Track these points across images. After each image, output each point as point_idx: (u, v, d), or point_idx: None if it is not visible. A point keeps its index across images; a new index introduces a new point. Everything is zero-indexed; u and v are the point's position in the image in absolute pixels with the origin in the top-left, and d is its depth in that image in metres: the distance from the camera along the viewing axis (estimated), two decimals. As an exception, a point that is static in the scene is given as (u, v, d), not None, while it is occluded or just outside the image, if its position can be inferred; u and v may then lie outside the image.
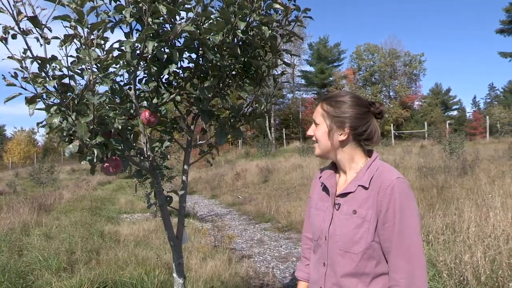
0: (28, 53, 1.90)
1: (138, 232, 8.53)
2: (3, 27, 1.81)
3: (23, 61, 1.91)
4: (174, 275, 2.81)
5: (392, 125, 42.06)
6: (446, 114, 62.78)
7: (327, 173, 1.87)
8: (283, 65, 2.77)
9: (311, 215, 1.89)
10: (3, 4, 1.77)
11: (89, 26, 1.94)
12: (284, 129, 47.85)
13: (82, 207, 12.47)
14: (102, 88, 2.32)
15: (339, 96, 1.73)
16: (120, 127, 2.14)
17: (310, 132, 1.82)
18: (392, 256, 1.55)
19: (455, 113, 67.27)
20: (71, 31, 2.01)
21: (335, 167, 1.86)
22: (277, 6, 2.39)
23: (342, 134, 1.69)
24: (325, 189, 1.83)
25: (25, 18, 1.84)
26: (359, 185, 1.64)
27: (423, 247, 1.53)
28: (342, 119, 1.68)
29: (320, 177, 1.91)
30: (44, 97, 2.00)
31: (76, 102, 2.01)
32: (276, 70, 2.85)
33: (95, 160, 2.06)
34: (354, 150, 1.73)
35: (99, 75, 2.01)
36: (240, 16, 2.22)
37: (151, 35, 2.18)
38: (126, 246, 7.14)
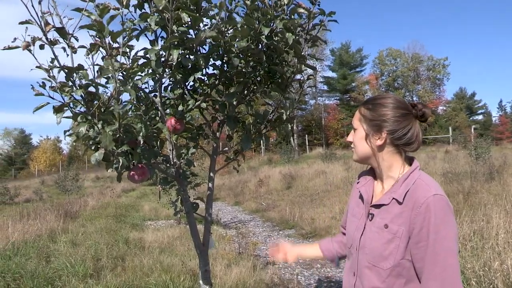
0: (55, 62, 1.93)
1: (162, 239, 8.56)
2: (31, 38, 1.84)
3: (50, 71, 1.94)
4: (200, 282, 2.80)
5: (416, 130, 41.46)
6: (471, 118, 61.78)
7: (365, 180, 1.79)
8: (308, 70, 2.75)
9: (347, 221, 1.84)
10: (31, 15, 1.80)
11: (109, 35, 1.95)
12: (306, 135, 47.68)
13: (106, 214, 12.59)
14: (129, 96, 2.34)
15: (377, 99, 1.65)
16: (145, 136, 2.15)
17: (349, 138, 1.74)
18: (425, 278, 1.44)
19: (480, 117, 66.15)
20: (97, 39, 2.03)
21: (373, 172, 1.77)
22: (301, 10, 2.38)
23: (380, 139, 1.60)
24: (361, 196, 1.75)
25: (53, 29, 1.86)
26: (393, 198, 1.54)
27: (459, 268, 1.42)
28: (379, 122, 1.59)
29: (358, 182, 1.84)
30: (71, 106, 2.02)
31: (102, 111, 2.03)
32: (301, 75, 2.83)
33: (120, 169, 2.06)
34: (393, 157, 1.62)
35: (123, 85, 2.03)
36: (264, 22, 2.22)
37: (176, 42, 2.19)
38: (151, 252, 7.18)
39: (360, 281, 1.63)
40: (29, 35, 1.83)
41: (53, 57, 1.91)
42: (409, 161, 1.66)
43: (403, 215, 1.49)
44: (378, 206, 1.61)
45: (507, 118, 58.65)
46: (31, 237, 8.68)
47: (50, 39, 1.87)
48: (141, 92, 2.51)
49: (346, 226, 1.84)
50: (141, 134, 2.14)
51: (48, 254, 7.22)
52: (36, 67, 1.94)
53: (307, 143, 44.27)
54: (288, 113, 2.70)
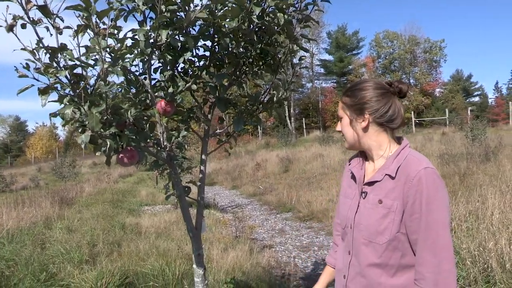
0: (41, 44, 1.87)
1: (159, 224, 8.56)
2: (12, 16, 1.78)
3: (36, 52, 1.88)
4: (194, 266, 2.78)
5: (412, 112, 41.54)
6: (467, 100, 61.77)
7: (356, 161, 1.83)
8: (302, 51, 2.70)
9: (339, 202, 1.87)
10: (11, -8, 1.74)
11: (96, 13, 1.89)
12: (304, 118, 47.63)
13: (103, 200, 12.57)
14: (119, 79, 2.29)
15: (355, 85, 1.71)
16: (134, 118, 2.10)
17: (338, 128, 1.80)
18: (419, 249, 1.48)
19: (477, 99, 66.14)
20: (86, 21, 1.97)
21: (364, 155, 1.81)
22: (293, -11, 2.32)
23: (363, 121, 1.65)
24: (353, 176, 1.79)
25: (35, 7, 1.80)
26: (386, 174, 1.59)
27: (452, 240, 1.45)
28: (360, 105, 1.64)
29: (349, 164, 1.89)
30: (59, 88, 1.97)
31: (89, 93, 1.97)
32: (295, 58, 2.78)
33: (108, 151, 2.02)
34: (380, 135, 1.66)
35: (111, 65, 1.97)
36: (255, 1, 2.16)
37: (165, 23, 2.13)
38: (147, 238, 7.17)
39: (356, 259, 1.66)
40: (10, 14, 1.77)
41: (37, 38, 1.85)
42: (398, 140, 1.70)
43: (396, 189, 1.53)
44: (371, 183, 1.65)
45: (503, 100, 58.54)
46: (26, 224, 8.65)
47: (32, 18, 1.81)
48: (131, 74, 2.45)
49: (340, 208, 1.86)
50: (129, 113, 2.09)
51: (43, 241, 7.20)
52: (21, 49, 1.88)
53: (304, 126, 44.24)
54: (280, 95, 2.65)
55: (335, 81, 59.21)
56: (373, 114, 1.63)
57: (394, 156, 1.61)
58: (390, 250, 1.54)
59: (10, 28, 1.79)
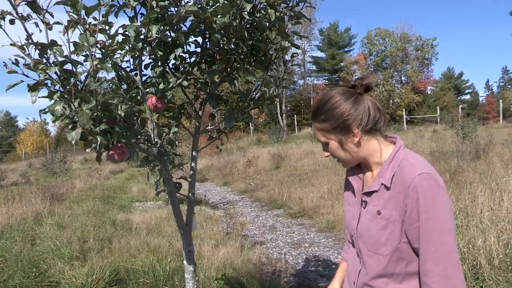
0: (30, 40, 1.86)
1: (150, 220, 8.55)
2: (0, 11, 1.76)
3: (26, 48, 1.87)
4: (185, 262, 2.78)
5: (404, 110, 41.69)
6: (458, 98, 62.13)
7: (352, 170, 1.74)
8: (293, 48, 2.70)
9: (345, 210, 1.80)
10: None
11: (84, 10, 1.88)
12: (295, 115, 47.69)
13: (94, 196, 12.53)
14: (110, 75, 2.28)
15: (323, 107, 1.57)
16: (124, 114, 2.09)
17: (326, 154, 1.68)
18: (421, 259, 1.42)
19: (468, 97, 66.60)
20: (73, 16, 1.96)
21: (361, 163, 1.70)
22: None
23: (354, 136, 1.54)
24: (352, 187, 1.73)
25: (23, 3, 1.79)
26: (382, 184, 1.51)
27: (455, 243, 1.38)
28: (343, 123, 1.53)
29: (348, 173, 1.78)
30: (49, 84, 1.95)
31: (79, 89, 1.96)
32: (286, 55, 2.78)
33: (99, 148, 2.01)
34: (371, 142, 1.57)
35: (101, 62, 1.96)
36: (246, -3, 2.16)
37: (156, 18, 2.12)
38: (138, 234, 7.16)
39: (364, 269, 1.61)
40: (-1, 10, 1.76)
41: (25, 33, 1.84)
42: (391, 139, 1.63)
43: (393, 199, 1.47)
44: (369, 193, 1.58)
45: (494, 98, 58.94)
46: (16, 220, 8.62)
47: (21, 13, 1.80)
48: (121, 70, 2.44)
49: (345, 215, 1.79)
50: (119, 109, 2.08)
51: (34, 237, 7.18)
52: (11, 44, 1.87)
53: (295, 123, 44.29)
54: (271, 91, 2.65)
55: (327, 78, 59.28)
56: (360, 125, 1.52)
57: (389, 162, 1.53)
58: (394, 261, 1.49)
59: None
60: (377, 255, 1.52)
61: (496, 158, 10.50)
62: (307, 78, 59.02)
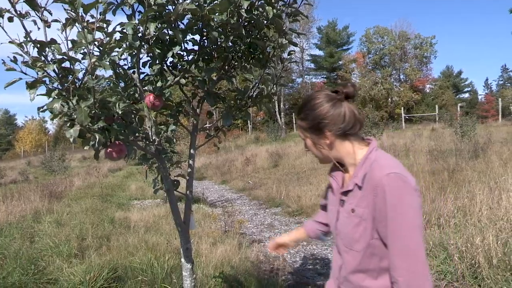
0: (29, 37, 1.87)
1: (148, 218, 8.55)
2: (-1, 9, 1.77)
3: (24, 46, 1.87)
4: (182, 260, 2.79)
5: (402, 108, 41.73)
6: (457, 97, 62.15)
7: (333, 169, 1.85)
8: (291, 45, 2.71)
9: (328, 206, 1.90)
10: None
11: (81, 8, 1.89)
12: (294, 113, 47.64)
13: (92, 194, 12.53)
14: (108, 73, 2.28)
15: (304, 106, 1.71)
16: (122, 112, 2.10)
17: (305, 148, 1.82)
18: (390, 254, 1.50)
19: (466, 95, 66.58)
20: (71, 13, 1.96)
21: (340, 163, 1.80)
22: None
23: (326, 139, 1.67)
24: (331, 186, 1.84)
25: (22, 0, 1.79)
26: (356, 184, 1.61)
27: (422, 241, 1.46)
28: (317, 125, 1.66)
29: (329, 173, 1.88)
30: (48, 82, 1.96)
31: (77, 86, 1.97)
32: (284, 52, 2.79)
33: (97, 145, 2.02)
34: (345, 145, 1.68)
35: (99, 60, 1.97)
36: (243, -6, 2.16)
37: (154, 16, 2.13)
38: (136, 232, 7.16)
39: (344, 264, 1.71)
40: (-3, 7, 1.76)
41: (23, 31, 1.84)
42: (366, 142, 1.71)
43: (365, 198, 1.56)
44: (346, 192, 1.68)
45: (493, 96, 58.99)
46: (15, 217, 8.62)
47: (19, 11, 1.80)
48: (119, 68, 2.44)
49: (328, 210, 1.90)
50: (116, 106, 2.09)
51: (32, 234, 7.19)
52: (9, 42, 1.87)
53: (294, 122, 44.28)
54: (269, 89, 2.66)
55: (325, 76, 59.41)
56: (332, 129, 1.64)
57: (362, 163, 1.62)
58: (367, 257, 1.58)
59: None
60: (352, 251, 1.63)
61: (495, 157, 10.52)
62: (305, 76, 59.08)
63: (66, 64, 1.96)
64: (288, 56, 2.87)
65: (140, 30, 2.19)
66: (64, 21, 1.96)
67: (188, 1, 2.18)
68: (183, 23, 2.35)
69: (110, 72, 2.32)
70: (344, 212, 1.66)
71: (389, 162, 1.56)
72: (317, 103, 1.65)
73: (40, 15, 1.87)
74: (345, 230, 1.65)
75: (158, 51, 2.35)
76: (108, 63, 2.09)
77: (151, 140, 2.48)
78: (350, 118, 1.63)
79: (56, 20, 1.94)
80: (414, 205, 1.46)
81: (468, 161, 10.56)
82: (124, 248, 6.00)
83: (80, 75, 2.00)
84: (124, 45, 2.30)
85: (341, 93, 1.64)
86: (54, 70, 1.90)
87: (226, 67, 2.63)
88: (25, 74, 1.90)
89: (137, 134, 2.40)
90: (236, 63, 2.64)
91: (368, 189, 1.54)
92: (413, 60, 55.45)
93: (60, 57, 1.93)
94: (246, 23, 2.40)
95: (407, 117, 40.04)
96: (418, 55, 55.47)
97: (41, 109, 2.00)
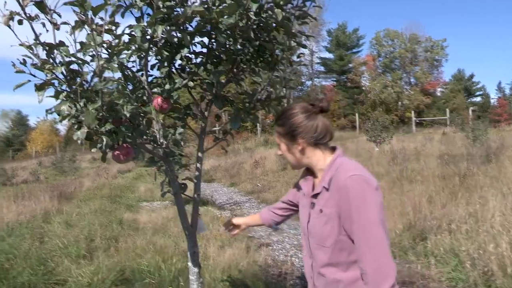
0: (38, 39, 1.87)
1: (156, 220, 8.55)
2: (9, 12, 1.77)
3: (34, 48, 1.87)
4: (189, 264, 2.78)
5: (413, 112, 41.51)
6: (469, 100, 61.44)
7: (303, 175, 2.05)
8: (300, 48, 2.69)
9: (300, 212, 2.07)
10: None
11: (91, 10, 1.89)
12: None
13: (102, 195, 12.57)
14: (116, 75, 2.28)
15: (282, 115, 1.91)
16: (129, 114, 2.10)
17: (279, 152, 2.01)
18: (357, 248, 1.66)
19: (478, 99, 65.78)
20: (81, 16, 1.96)
21: (311, 169, 1.98)
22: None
23: (299, 145, 1.85)
24: (302, 190, 2.02)
25: (31, 3, 1.79)
26: (323, 186, 1.79)
27: (384, 235, 1.63)
28: (291, 133, 1.85)
29: (300, 178, 2.09)
30: (56, 84, 1.96)
31: (85, 89, 1.97)
32: (293, 55, 2.77)
33: (104, 148, 2.01)
34: (315, 153, 1.86)
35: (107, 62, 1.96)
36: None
37: (162, 18, 2.12)
38: (145, 234, 7.17)
39: (314, 261, 1.87)
40: (7, 10, 1.77)
41: (32, 33, 1.85)
42: (332, 150, 1.90)
43: (331, 199, 1.74)
44: (315, 195, 1.85)
45: (506, 100, 58.35)
46: (25, 218, 8.67)
47: (29, 14, 1.80)
48: (127, 71, 2.44)
49: (300, 215, 2.06)
50: (124, 109, 2.09)
51: (42, 235, 7.22)
52: (19, 44, 1.88)
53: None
54: (278, 92, 2.64)
55: (335, 79, 59.15)
56: (304, 138, 1.82)
57: (328, 168, 1.80)
58: (337, 251, 1.74)
59: (7, 21, 1.79)
60: (323, 247, 1.78)
61: (508, 162, 10.38)
62: (315, 79, 58.94)
63: (74, 66, 1.96)
64: (298, 59, 2.86)
65: (148, 33, 2.18)
66: (73, 24, 1.96)
67: (197, 3, 2.17)
68: (191, 26, 2.34)
69: (118, 75, 2.32)
70: (314, 213, 1.84)
71: (352, 166, 1.75)
72: (293, 113, 1.85)
73: (49, 18, 1.88)
74: (315, 229, 1.82)
75: (167, 53, 2.35)
76: (116, 65, 2.08)
77: (159, 143, 2.47)
78: (322, 130, 1.82)
79: (65, 23, 1.94)
80: (375, 203, 1.64)
81: (480, 166, 10.44)
82: (132, 250, 6.01)
83: (88, 78, 2.00)
84: (133, 48, 2.30)
85: (317, 106, 1.84)
86: (62, 72, 1.90)
87: (235, 70, 2.62)
88: (34, 76, 1.90)
89: (144, 137, 2.40)
90: (244, 66, 2.63)
91: (334, 190, 1.72)
92: (424, 63, 55.21)
93: (69, 59, 1.93)
94: (255, 26, 2.38)
95: (417, 120, 39.83)
96: (429, 58, 55.21)
97: (49, 111, 2.00)
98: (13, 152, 61.84)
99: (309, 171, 1.99)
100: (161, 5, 2.07)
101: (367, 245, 1.62)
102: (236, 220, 2.62)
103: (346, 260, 1.74)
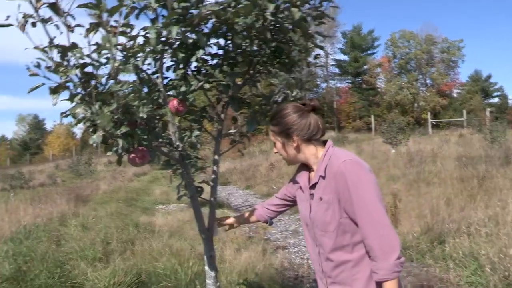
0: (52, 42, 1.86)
1: (172, 223, 8.56)
2: (23, 15, 1.76)
3: (48, 51, 1.86)
4: (206, 267, 2.75)
5: (429, 113, 41.13)
6: (486, 101, 60.66)
7: (299, 171, 2.15)
8: (316, 50, 2.65)
9: (299, 205, 2.17)
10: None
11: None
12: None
13: (118, 198, 12.63)
14: (131, 78, 2.27)
15: (276, 114, 2.01)
16: (145, 117, 2.07)
17: (275, 151, 2.11)
18: (360, 227, 1.78)
19: (496, 100, 64.88)
20: (96, 19, 1.95)
21: (306, 164, 2.09)
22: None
23: (293, 142, 1.96)
24: (299, 184, 2.13)
25: (45, 5, 1.78)
26: (320, 176, 1.91)
27: (383, 209, 1.77)
28: (286, 131, 1.95)
29: (296, 173, 2.19)
30: (71, 87, 1.95)
31: (100, 91, 1.95)
32: (309, 56, 2.73)
33: (120, 151, 1.99)
34: (309, 148, 1.98)
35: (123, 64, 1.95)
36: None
37: (177, 19, 2.10)
38: (161, 236, 7.17)
39: (321, 248, 1.96)
40: (21, 13, 1.76)
41: (45, 35, 1.83)
42: (324, 144, 2.02)
43: (328, 185, 1.86)
44: (313, 186, 1.97)
45: (524, 101, 57.57)
46: (42, 220, 8.74)
47: (42, 16, 1.79)
48: (143, 73, 2.42)
49: (299, 209, 2.15)
50: (139, 111, 2.07)
51: (59, 237, 7.27)
52: (34, 47, 1.87)
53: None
54: (294, 94, 2.61)
55: (350, 81, 58.80)
56: (298, 135, 1.94)
57: (322, 159, 1.93)
58: (340, 235, 1.85)
59: (23, 26, 1.78)
60: (328, 232, 1.89)
61: (528, 164, 10.22)
62: (330, 81, 58.68)
63: (89, 69, 1.95)
64: (314, 60, 2.82)
65: (163, 34, 2.16)
66: (87, 26, 1.94)
67: (212, 2, 2.14)
68: (206, 27, 2.32)
69: (133, 77, 2.31)
70: (314, 202, 1.95)
71: (344, 153, 1.89)
72: (287, 113, 1.96)
73: (63, 20, 1.86)
74: (318, 217, 1.92)
75: (182, 55, 2.32)
76: (131, 67, 2.07)
77: (175, 145, 2.45)
78: (314, 126, 1.95)
79: (79, 25, 1.92)
80: (371, 182, 1.78)
81: (499, 168, 10.28)
82: (148, 253, 6.00)
83: (103, 80, 1.99)
84: (148, 49, 2.28)
85: (308, 105, 1.97)
86: (76, 75, 1.89)
87: (251, 71, 2.59)
88: (48, 79, 1.89)
89: (160, 140, 2.38)
90: (261, 68, 2.60)
91: (330, 177, 1.85)
92: (440, 65, 54.59)
93: (83, 61, 1.92)
94: (271, 27, 2.35)
95: (433, 122, 39.46)
96: (445, 59, 54.58)
97: (64, 114, 1.99)
98: (30, 155, 62.61)
99: (304, 166, 2.10)
100: (176, 6, 2.04)
101: (369, 222, 1.74)
102: (228, 221, 2.71)
103: (350, 242, 1.85)
